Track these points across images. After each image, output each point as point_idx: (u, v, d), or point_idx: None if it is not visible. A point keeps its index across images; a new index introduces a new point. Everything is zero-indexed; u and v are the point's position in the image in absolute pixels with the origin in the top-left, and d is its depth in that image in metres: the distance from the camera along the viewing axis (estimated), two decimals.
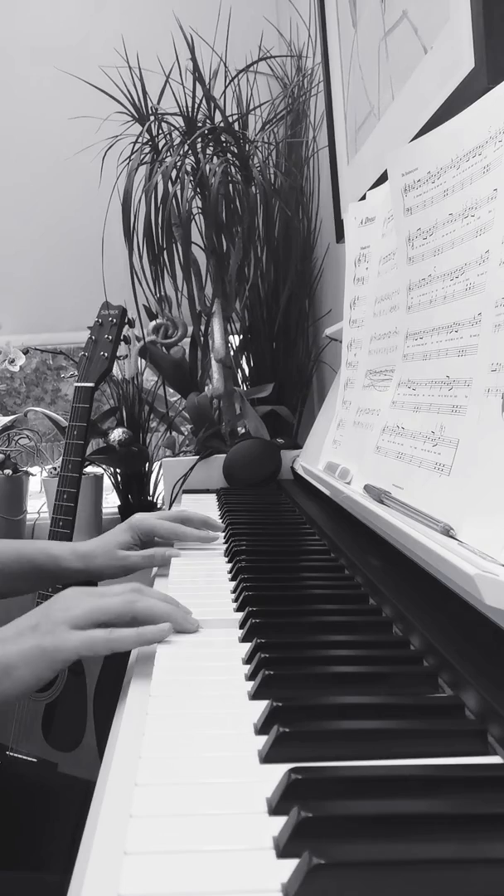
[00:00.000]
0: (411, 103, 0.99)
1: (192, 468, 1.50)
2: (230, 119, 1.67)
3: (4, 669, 0.54)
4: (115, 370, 1.86)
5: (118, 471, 1.95)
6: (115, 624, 0.58)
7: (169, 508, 1.45)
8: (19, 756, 1.44)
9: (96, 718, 1.44)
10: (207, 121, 1.66)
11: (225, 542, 0.95)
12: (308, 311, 1.85)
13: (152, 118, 1.67)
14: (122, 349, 1.70)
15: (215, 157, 1.64)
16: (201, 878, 0.30)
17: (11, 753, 1.45)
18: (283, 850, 0.31)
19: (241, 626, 0.61)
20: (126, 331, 1.63)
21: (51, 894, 0.82)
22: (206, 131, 1.63)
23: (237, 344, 1.82)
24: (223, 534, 0.99)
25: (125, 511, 1.96)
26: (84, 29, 2.11)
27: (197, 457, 1.52)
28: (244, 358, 1.86)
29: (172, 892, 0.29)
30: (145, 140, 1.66)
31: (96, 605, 0.58)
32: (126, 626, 0.58)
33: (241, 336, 1.83)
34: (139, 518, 0.94)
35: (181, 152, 1.61)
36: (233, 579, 0.77)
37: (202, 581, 0.78)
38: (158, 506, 1.97)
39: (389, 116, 1.10)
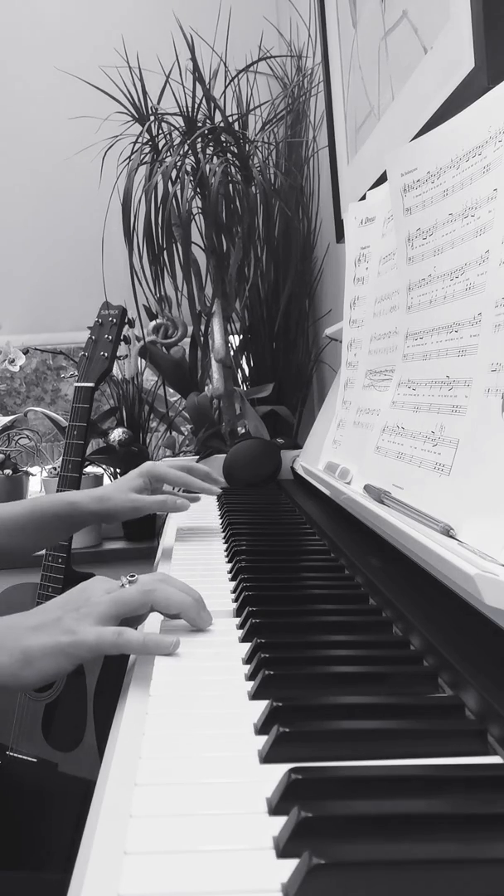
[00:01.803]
0: (411, 103, 0.99)
1: None
2: (230, 119, 1.67)
3: (27, 660, 0.56)
4: (115, 370, 1.86)
5: (118, 471, 1.95)
6: (137, 613, 0.61)
7: None
8: (19, 756, 1.44)
9: (96, 718, 1.44)
10: (207, 121, 1.66)
11: (225, 542, 0.95)
12: (308, 311, 1.85)
13: (152, 118, 1.67)
14: (122, 349, 1.70)
15: (215, 157, 1.64)
16: (201, 878, 0.30)
17: (11, 753, 1.45)
18: (283, 850, 0.31)
19: (241, 627, 0.61)
20: (126, 331, 1.63)
21: (51, 894, 0.82)
22: (206, 131, 1.63)
23: (237, 344, 1.82)
24: (223, 534, 1.00)
25: None
26: (84, 29, 2.10)
27: (197, 457, 1.52)
28: (244, 358, 1.86)
29: (173, 892, 0.29)
30: (145, 140, 1.66)
31: (116, 599, 0.59)
32: (146, 615, 0.62)
33: (241, 336, 1.83)
34: (150, 465, 1.01)
35: (181, 152, 1.61)
36: (233, 579, 0.77)
37: (202, 580, 0.78)
38: None
39: (389, 116, 1.10)
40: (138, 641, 0.56)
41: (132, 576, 0.63)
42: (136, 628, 0.59)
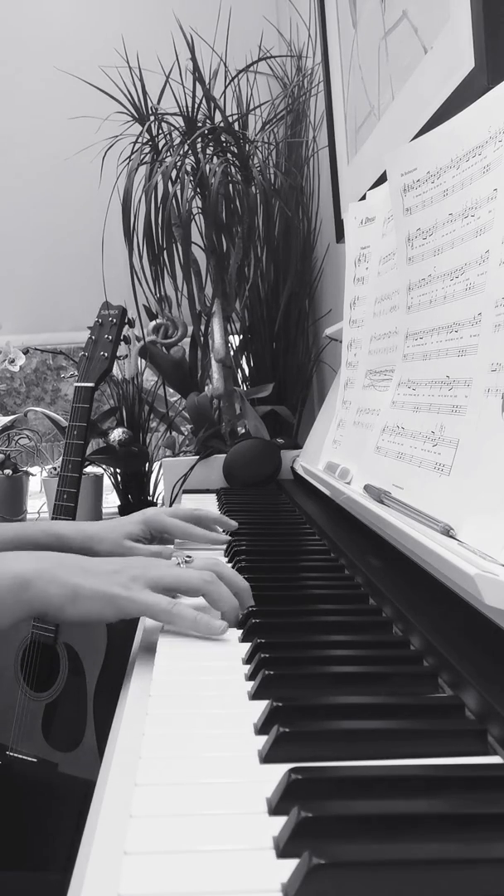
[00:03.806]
0: (411, 103, 0.99)
1: (192, 468, 1.50)
2: (230, 119, 1.67)
3: (75, 597, 0.57)
4: (115, 370, 1.86)
5: (118, 471, 1.95)
6: (188, 596, 0.62)
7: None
8: (19, 756, 1.44)
9: (96, 718, 1.44)
10: (207, 121, 1.66)
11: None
12: (308, 311, 1.85)
13: (152, 118, 1.67)
14: (122, 349, 1.70)
15: (215, 157, 1.64)
16: (201, 878, 0.30)
17: (12, 753, 1.45)
18: (283, 850, 0.31)
19: (241, 626, 0.61)
20: (126, 331, 1.63)
21: (51, 894, 0.82)
22: (206, 131, 1.63)
23: (237, 344, 1.82)
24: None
25: (125, 511, 1.96)
26: (84, 29, 2.11)
27: (197, 457, 1.52)
28: (244, 358, 1.86)
29: (172, 891, 0.29)
30: (145, 140, 1.66)
31: (177, 576, 0.61)
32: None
33: (241, 336, 1.83)
34: (152, 514, 0.93)
35: (181, 152, 1.61)
36: None
37: None
38: (158, 506, 1.97)
39: (389, 116, 1.10)
40: (190, 618, 0.57)
41: (188, 557, 0.64)
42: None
